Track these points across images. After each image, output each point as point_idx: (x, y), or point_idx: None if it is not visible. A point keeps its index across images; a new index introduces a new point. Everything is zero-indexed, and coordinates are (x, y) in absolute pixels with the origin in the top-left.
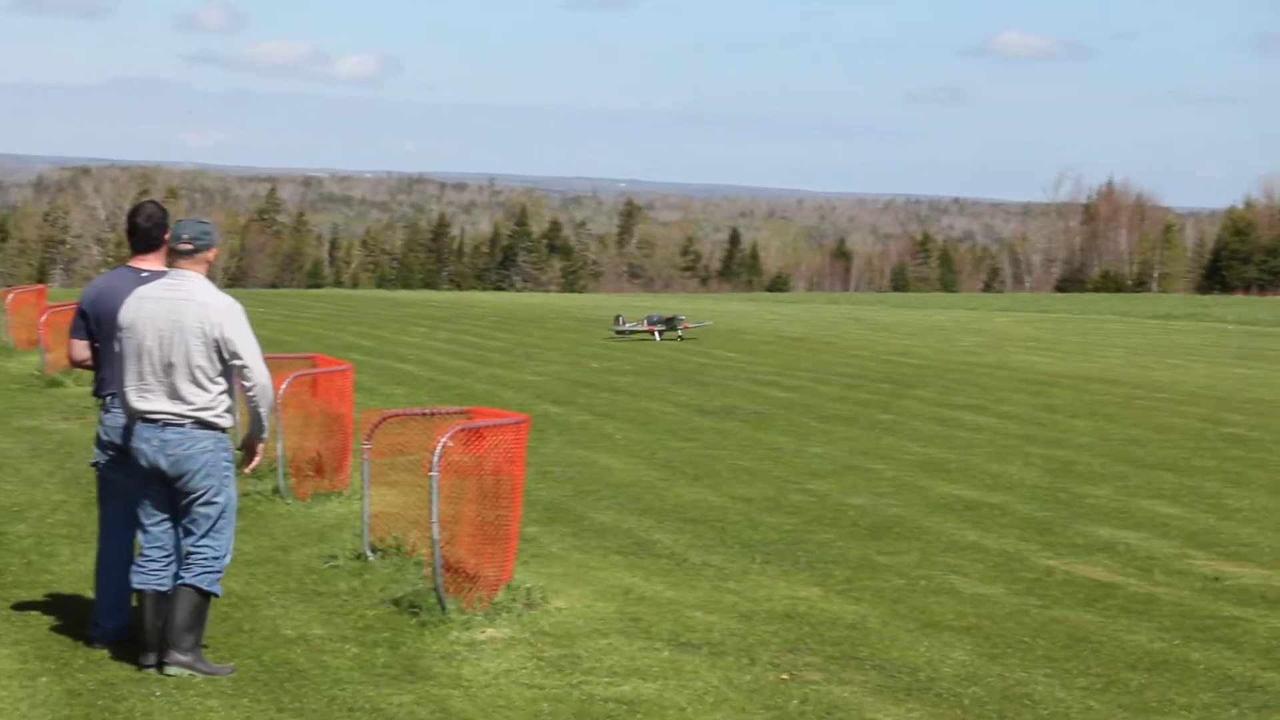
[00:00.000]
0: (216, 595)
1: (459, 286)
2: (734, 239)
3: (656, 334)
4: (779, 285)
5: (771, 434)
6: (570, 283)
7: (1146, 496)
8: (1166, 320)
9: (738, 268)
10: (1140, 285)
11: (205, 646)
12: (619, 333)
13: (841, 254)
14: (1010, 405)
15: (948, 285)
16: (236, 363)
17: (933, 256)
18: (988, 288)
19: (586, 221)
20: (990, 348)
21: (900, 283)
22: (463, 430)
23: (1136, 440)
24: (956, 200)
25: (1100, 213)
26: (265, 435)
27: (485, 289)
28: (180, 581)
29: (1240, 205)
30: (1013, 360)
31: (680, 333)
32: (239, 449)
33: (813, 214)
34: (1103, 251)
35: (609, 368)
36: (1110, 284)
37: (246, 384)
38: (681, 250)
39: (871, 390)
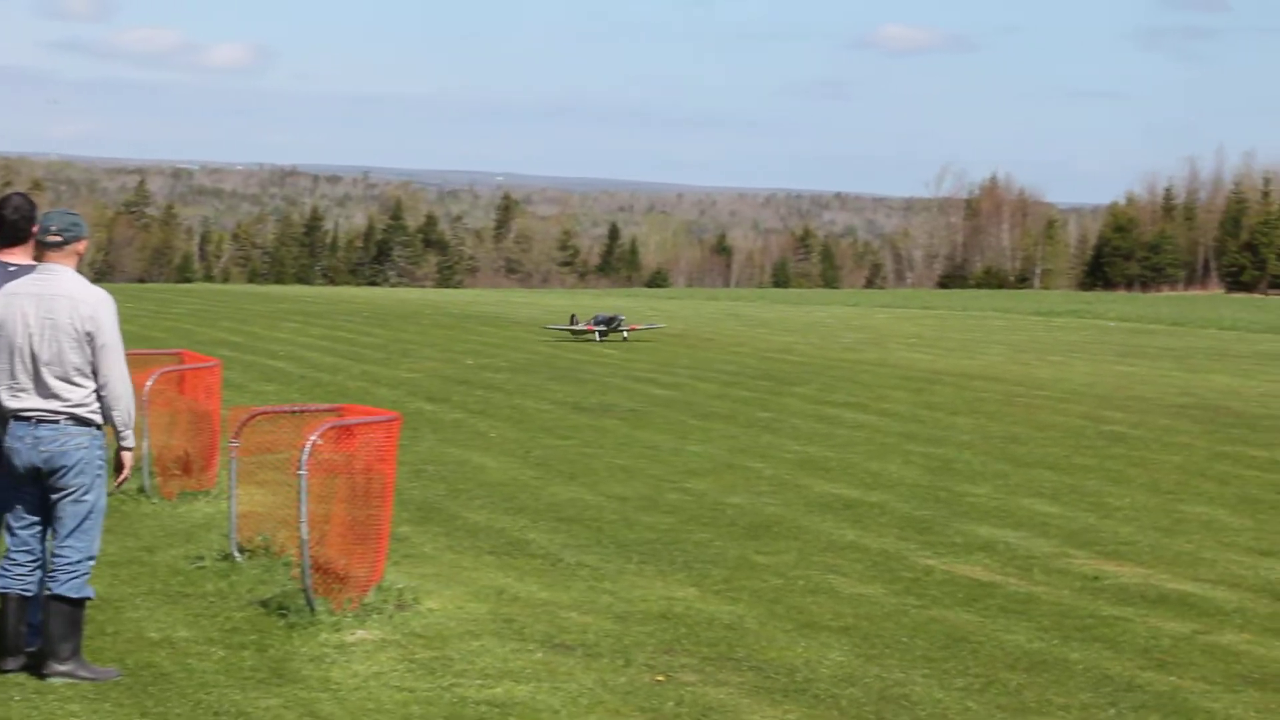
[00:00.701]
0: (89, 599)
1: (332, 281)
2: (613, 234)
3: (597, 334)
4: (658, 280)
5: (649, 432)
6: (446, 278)
7: (1026, 495)
8: (1048, 317)
9: (617, 263)
10: (1022, 281)
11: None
12: (575, 333)
13: (722, 249)
14: (890, 403)
15: (829, 281)
16: (99, 362)
17: (814, 252)
18: (869, 284)
19: (463, 215)
20: (871, 344)
21: (781, 278)
22: (333, 428)
23: (1017, 438)
24: (838, 195)
25: (983, 208)
26: (131, 444)
27: (359, 284)
28: (49, 594)
29: (1122, 201)
30: (894, 357)
31: (625, 334)
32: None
33: (693, 208)
34: (985, 247)
35: (484, 364)
36: (992, 280)
37: (101, 385)
38: (560, 245)
39: (751, 387)
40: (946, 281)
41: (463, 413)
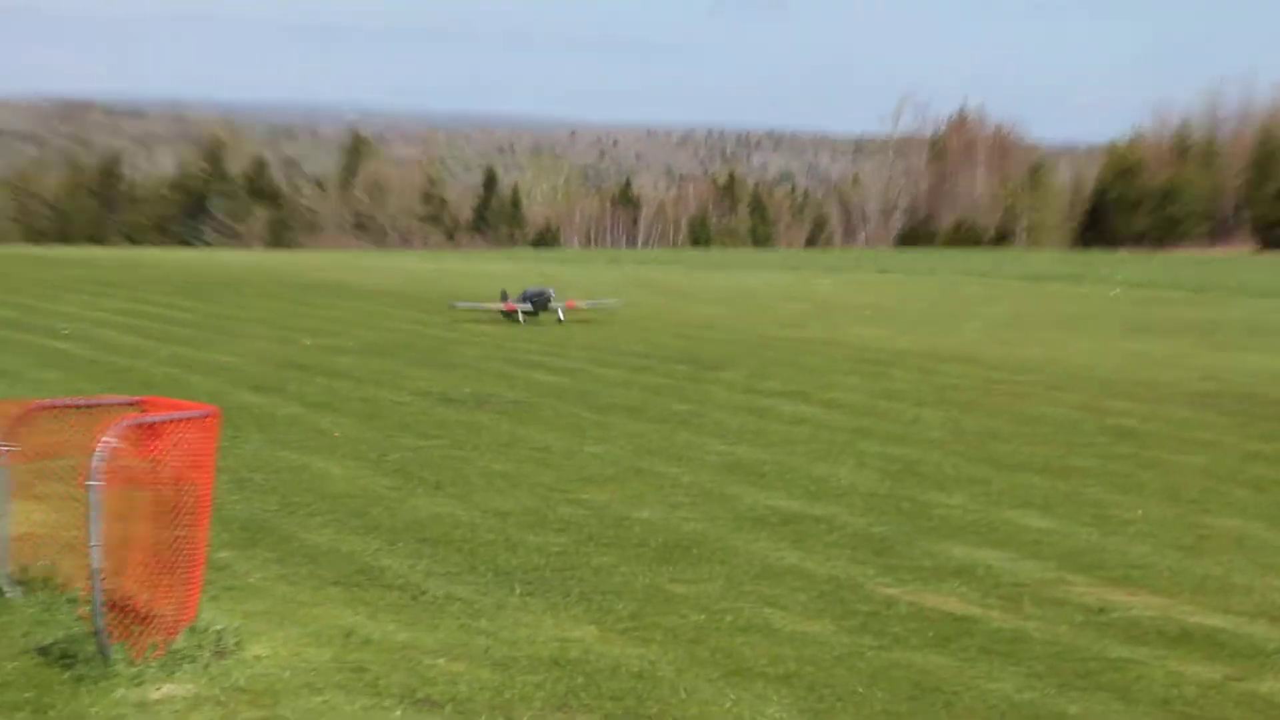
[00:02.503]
0: None
1: (134, 242)
2: (489, 181)
3: (520, 315)
4: (547, 239)
5: (536, 429)
6: (279, 237)
7: (1012, 506)
8: (1036, 282)
9: (494, 218)
10: (1003, 239)
11: None
12: (505, 315)
13: (626, 200)
14: (840, 391)
15: (761, 240)
16: None
17: (741, 203)
18: (811, 243)
19: (300, 159)
20: (815, 318)
21: (701, 236)
22: (135, 426)
23: (999, 435)
24: (771, 133)
25: (951, 148)
26: None
27: (168, 245)
28: None
29: (1126, 139)
30: (843, 334)
31: (560, 314)
32: None
33: (589, 150)
34: (955, 197)
35: (328, 345)
36: (966, 237)
37: None
38: (423, 196)
39: (664, 373)
40: (908, 239)
41: (299, 406)
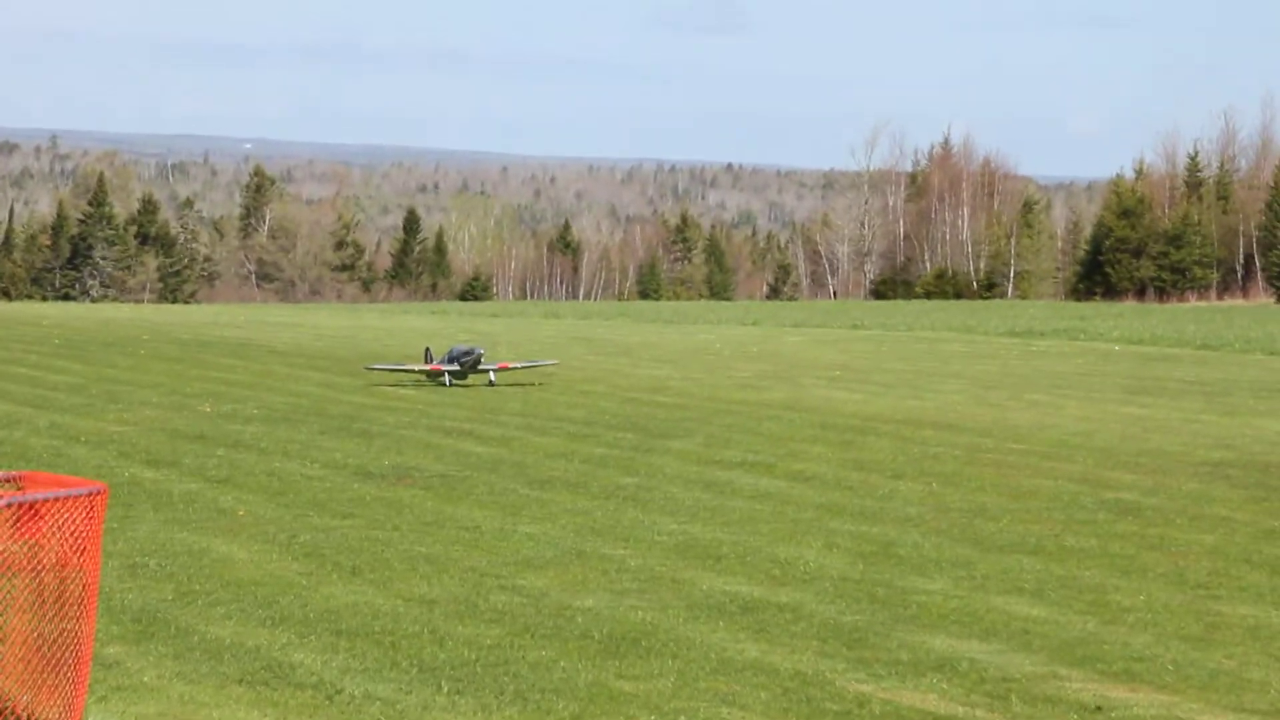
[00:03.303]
0: None
1: (7, 295)
2: (410, 224)
3: (447, 378)
4: (476, 290)
5: (465, 506)
6: (172, 289)
7: (1000, 591)
8: (1027, 339)
9: (416, 266)
10: (990, 289)
11: None
12: (430, 377)
13: (565, 246)
14: (807, 461)
15: (718, 290)
16: None
17: (696, 249)
18: (775, 293)
19: (195, 199)
20: (779, 379)
21: (650, 286)
22: (11, 506)
23: (985, 511)
24: (729, 168)
25: (933, 185)
26: None
27: (46, 298)
28: None
29: (1129, 174)
30: (810, 398)
31: (491, 376)
32: None
33: (523, 188)
34: (937, 241)
35: (229, 412)
36: (948, 287)
37: None
38: (335, 242)
39: (608, 442)
40: (884, 289)
41: (198, 481)
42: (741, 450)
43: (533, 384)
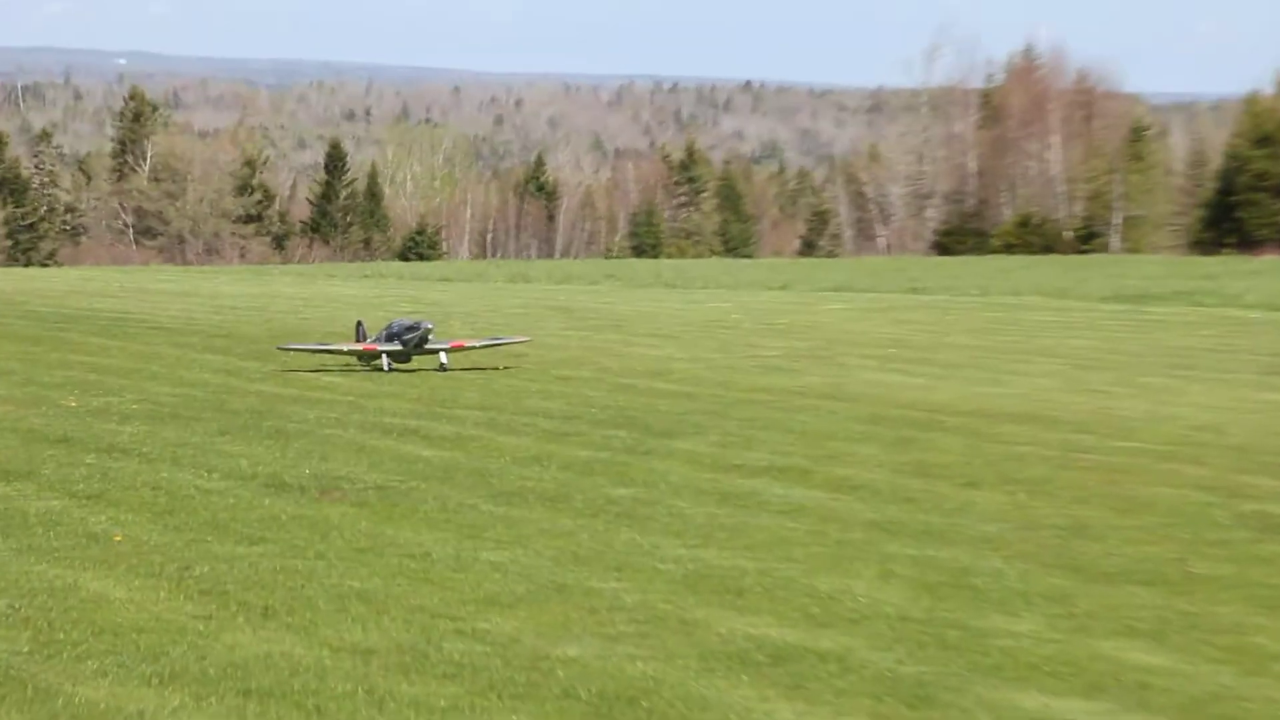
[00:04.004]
0: None
1: None
2: (334, 162)
3: (385, 362)
4: (422, 247)
5: (410, 527)
6: (25, 247)
7: (1107, 633)
8: (1138, 305)
9: (343, 216)
10: (1089, 240)
11: None
12: (362, 360)
13: (537, 188)
14: (853, 466)
15: (735, 245)
16: None
17: (706, 191)
18: (808, 248)
19: (53, 131)
20: (815, 359)
21: (646, 240)
22: None
23: (1086, 528)
24: (748, 87)
25: (1012, 106)
26: None
27: None
28: None
29: (1267, 89)
30: (856, 383)
31: (442, 358)
32: None
33: (481, 113)
34: (1018, 178)
35: (101, 407)
36: (1033, 238)
37: None
38: (237, 186)
39: (596, 443)
40: (949, 242)
41: (62, 498)
42: (768, 452)
43: (496, 368)
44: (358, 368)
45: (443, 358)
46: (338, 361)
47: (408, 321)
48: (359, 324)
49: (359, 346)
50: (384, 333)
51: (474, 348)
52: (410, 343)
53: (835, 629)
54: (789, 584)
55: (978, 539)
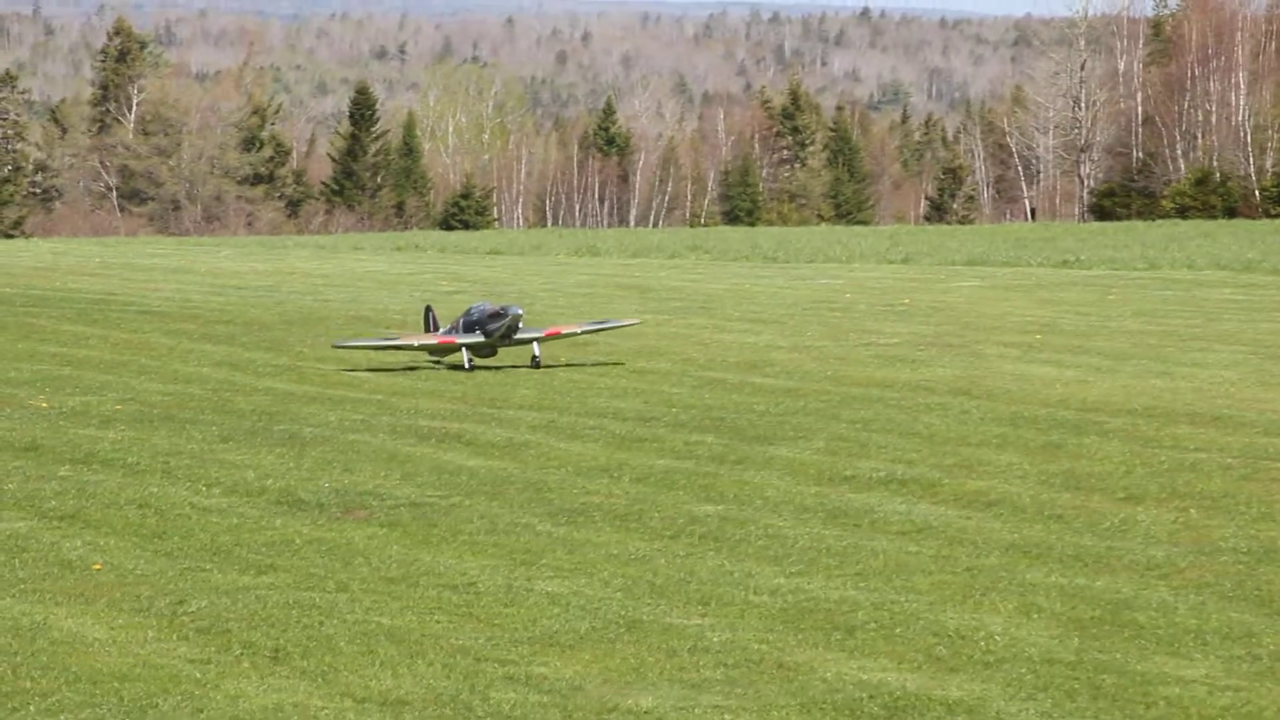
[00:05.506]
0: None
1: None
2: (361, 110)
3: (466, 359)
4: (468, 215)
5: (451, 552)
6: None
7: None
8: None
9: (372, 177)
10: None
11: None
12: (435, 356)
13: (607, 142)
14: (990, 477)
15: (848, 209)
16: None
17: (813, 144)
18: (937, 213)
19: (20, 73)
20: (945, 348)
21: (740, 205)
22: None
23: (1275, 552)
24: (865, 15)
25: (1189, 39)
26: None
27: None
28: None
29: None
30: (995, 376)
31: (536, 350)
32: None
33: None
34: (1197, 127)
35: (78, 408)
36: (1215, 200)
37: None
38: (243, 140)
39: (676, 449)
40: (1111, 205)
41: (30, 518)
42: (886, 460)
43: (558, 360)
44: (423, 365)
45: (536, 349)
46: (401, 359)
47: (491, 306)
48: (428, 310)
49: (432, 339)
50: (461, 320)
51: (576, 333)
52: (495, 332)
53: (966, 674)
54: (910, 620)
55: (1141, 565)
